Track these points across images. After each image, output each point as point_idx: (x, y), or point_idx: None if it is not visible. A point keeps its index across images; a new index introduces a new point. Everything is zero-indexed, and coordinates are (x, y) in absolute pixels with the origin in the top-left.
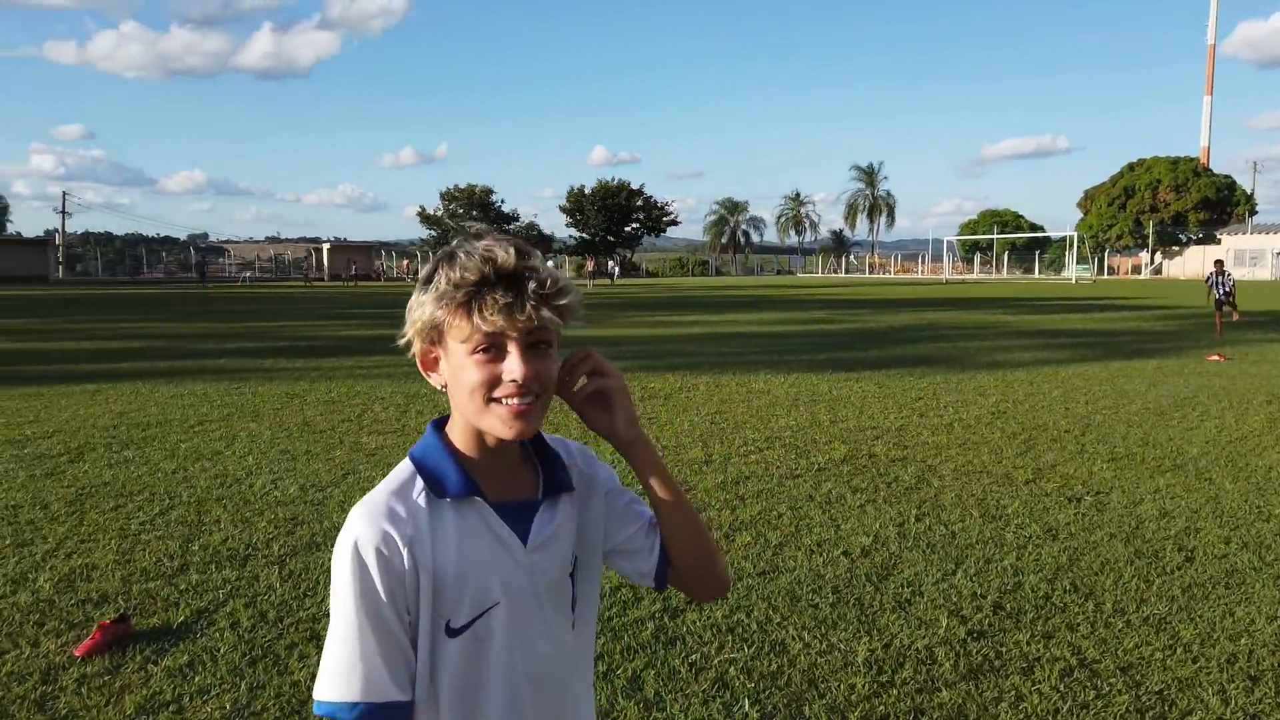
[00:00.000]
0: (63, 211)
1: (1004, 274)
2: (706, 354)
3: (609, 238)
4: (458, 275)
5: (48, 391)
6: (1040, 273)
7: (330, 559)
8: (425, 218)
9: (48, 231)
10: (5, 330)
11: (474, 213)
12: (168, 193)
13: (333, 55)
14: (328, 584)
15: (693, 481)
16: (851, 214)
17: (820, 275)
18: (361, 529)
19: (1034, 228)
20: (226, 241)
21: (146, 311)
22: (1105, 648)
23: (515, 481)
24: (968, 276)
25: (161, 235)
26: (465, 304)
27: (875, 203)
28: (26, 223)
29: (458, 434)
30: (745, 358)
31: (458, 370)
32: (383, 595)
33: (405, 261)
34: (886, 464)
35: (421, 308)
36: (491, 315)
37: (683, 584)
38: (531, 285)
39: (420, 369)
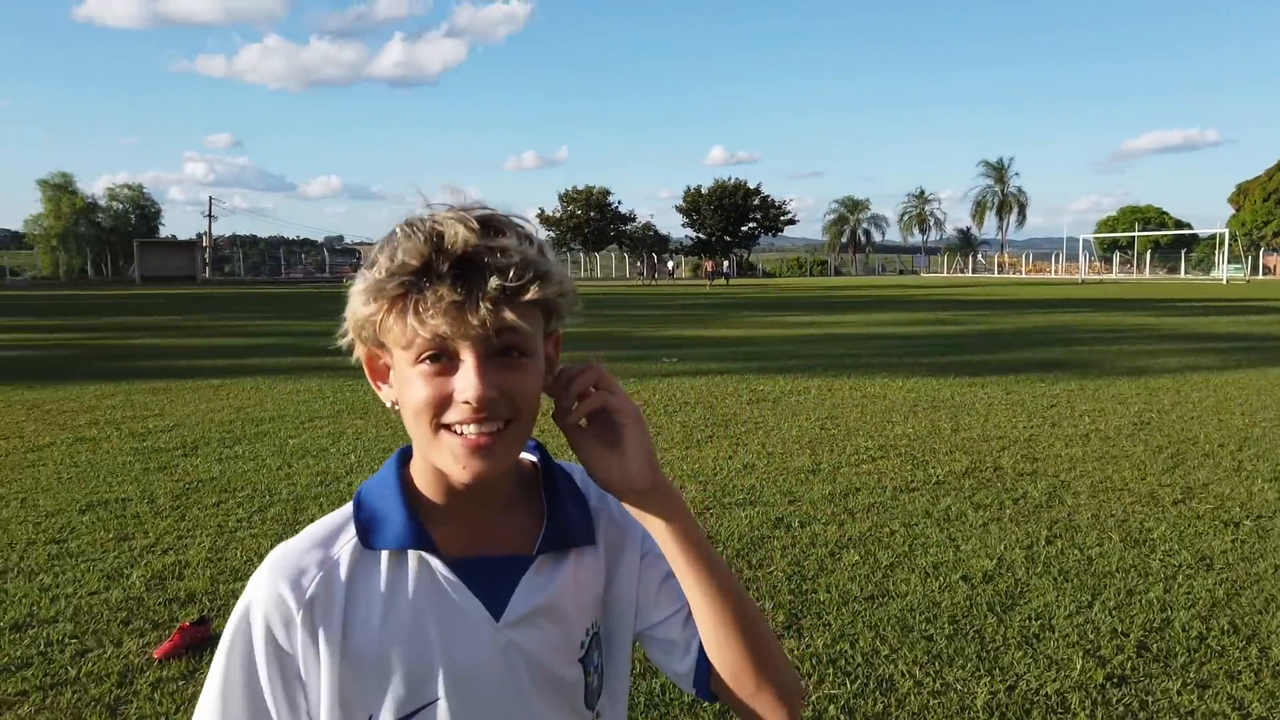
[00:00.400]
0: (209, 215)
1: (1145, 274)
2: (820, 356)
3: (725, 238)
4: (396, 261)
5: (176, 386)
6: (1186, 273)
7: None
8: (544, 219)
9: (199, 235)
10: (148, 327)
11: (591, 213)
12: (307, 197)
13: (459, 63)
14: None
15: (798, 492)
16: (979, 211)
17: (945, 275)
18: (257, 588)
19: (1179, 225)
20: (360, 243)
21: (278, 309)
22: (1274, 702)
23: (499, 531)
24: (1105, 276)
25: (301, 238)
26: (401, 298)
27: (1005, 199)
28: (180, 226)
29: (418, 468)
30: (861, 360)
31: (402, 385)
32: (263, 678)
33: None
34: (1014, 478)
35: (354, 302)
36: (432, 317)
37: (728, 699)
38: (492, 279)
39: (368, 378)
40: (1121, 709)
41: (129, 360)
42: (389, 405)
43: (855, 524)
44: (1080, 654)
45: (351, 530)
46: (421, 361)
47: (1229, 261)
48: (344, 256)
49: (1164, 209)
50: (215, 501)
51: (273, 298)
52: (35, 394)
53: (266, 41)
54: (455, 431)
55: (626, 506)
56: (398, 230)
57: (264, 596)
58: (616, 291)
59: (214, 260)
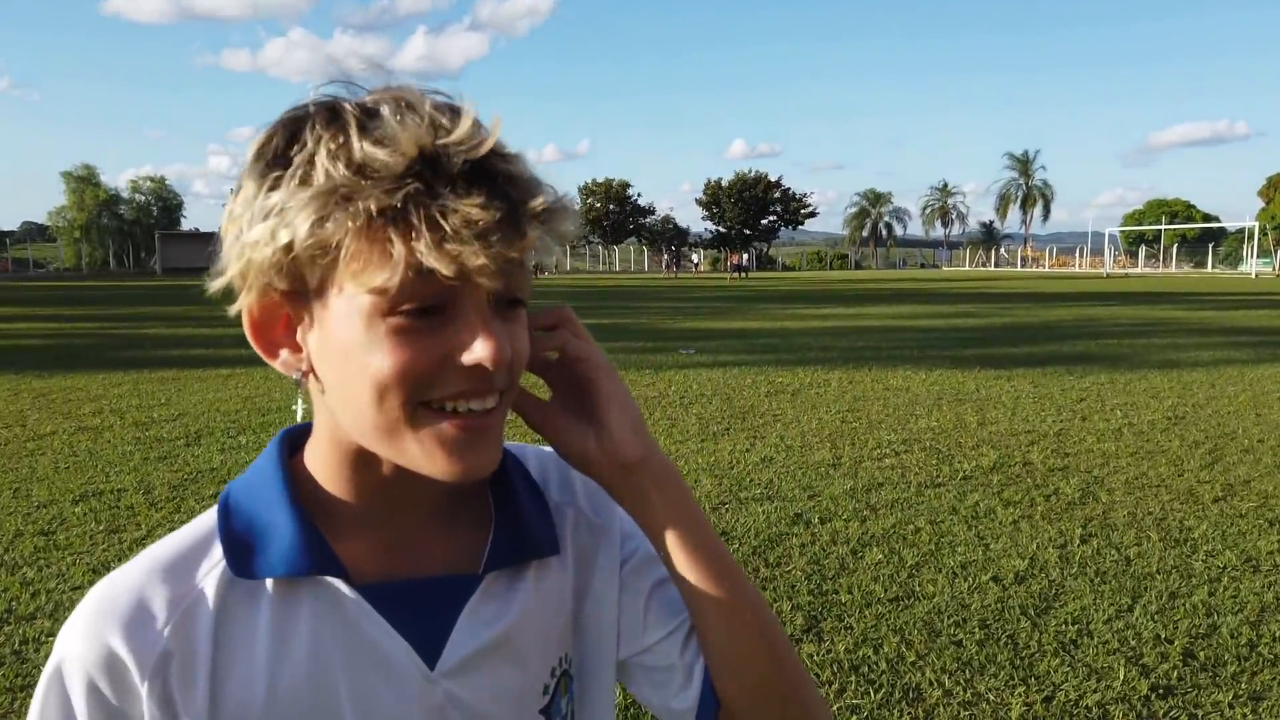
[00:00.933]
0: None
1: (1172, 268)
2: (840, 348)
3: (745, 231)
4: (379, 154)
5: (185, 375)
6: (1213, 267)
7: None
8: None
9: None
10: (163, 317)
11: (610, 206)
12: None
13: (482, 56)
14: None
15: (818, 487)
16: (1003, 205)
17: (968, 269)
18: (73, 644)
19: (1207, 218)
20: None
21: None
22: None
23: (431, 543)
24: (1131, 270)
25: None
26: (397, 217)
27: (1030, 193)
28: (204, 218)
29: (322, 458)
30: (882, 353)
31: (351, 350)
32: None
33: None
34: (1044, 474)
35: (276, 220)
36: (456, 244)
37: None
38: (539, 197)
39: (251, 338)
40: None
41: (140, 350)
42: (294, 378)
43: (878, 521)
44: (1122, 661)
45: (217, 550)
46: (402, 314)
47: (1258, 255)
48: None
49: (1191, 202)
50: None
51: None
52: (43, 383)
53: (291, 35)
54: (446, 412)
55: (610, 492)
56: (347, 107)
57: (89, 656)
58: (639, 284)
59: None
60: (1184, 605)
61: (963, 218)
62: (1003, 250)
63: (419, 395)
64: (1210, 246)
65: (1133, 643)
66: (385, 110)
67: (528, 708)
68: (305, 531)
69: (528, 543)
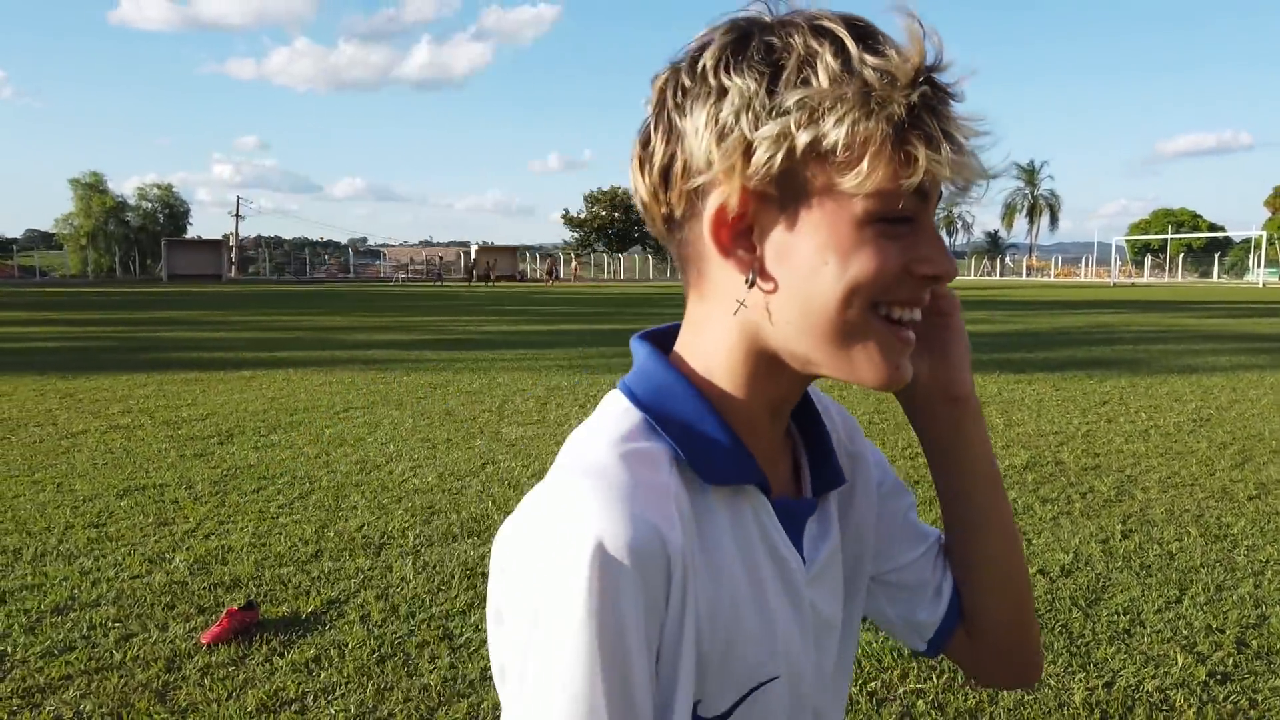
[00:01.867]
0: (236, 215)
1: (1178, 277)
2: None
3: None
4: (895, 60)
5: (207, 377)
6: (1219, 276)
7: (492, 555)
8: (569, 220)
9: (226, 235)
10: (178, 320)
11: (615, 214)
12: (332, 199)
13: (486, 65)
14: (464, 577)
15: None
16: (1009, 214)
17: (973, 278)
18: (607, 519)
19: (1213, 228)
20: (383, 245)
21: (304, 305)
22: None
23: (779, 461)
24: (1137, 280)
25: (326, 239)
26: (917, 124)
27: (1035, 203)
28: (208, 227)
29: (726, 365)
30: None
31: (831, 251)
32: (636, 650)
33: (548, 261)
34: (1077, 472)
35: (799, 115)
36: (964, 157)
37: (977, 657)
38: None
39: (714, 235)
40: (1231, 707)
41: (160, 352)
42: (745, 279)
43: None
44: (1177, 650)
45: (664, 451)
46: (887, 219)
47: (1265, 265)
48: (369, 257)
49: (1197, 212)
50: (255, 488)
51: (298, 295)
52: (68, 383)
53: (295, 45)
54: (891, 321)
55: (926, 420)
56: (827, 17)
57: (635, 536)
58: (650, 291)
59: (240, 260)
60: (1231, 597)
61: (968, 227)
62: (1008, 259)
63: (878, 298)
64: (1216, 256)
65: (1185, 632)
66: (902, 22)
67: (841, 614)
68: (736, 441)
69: (835, 470)
